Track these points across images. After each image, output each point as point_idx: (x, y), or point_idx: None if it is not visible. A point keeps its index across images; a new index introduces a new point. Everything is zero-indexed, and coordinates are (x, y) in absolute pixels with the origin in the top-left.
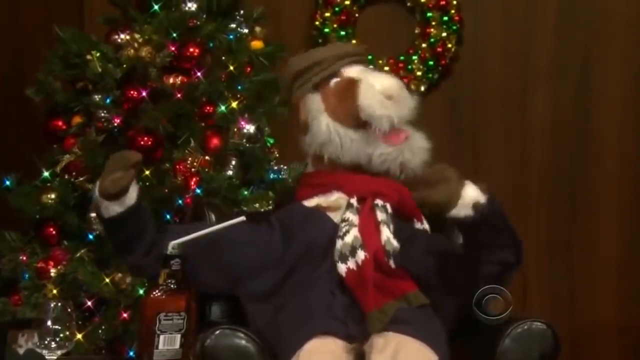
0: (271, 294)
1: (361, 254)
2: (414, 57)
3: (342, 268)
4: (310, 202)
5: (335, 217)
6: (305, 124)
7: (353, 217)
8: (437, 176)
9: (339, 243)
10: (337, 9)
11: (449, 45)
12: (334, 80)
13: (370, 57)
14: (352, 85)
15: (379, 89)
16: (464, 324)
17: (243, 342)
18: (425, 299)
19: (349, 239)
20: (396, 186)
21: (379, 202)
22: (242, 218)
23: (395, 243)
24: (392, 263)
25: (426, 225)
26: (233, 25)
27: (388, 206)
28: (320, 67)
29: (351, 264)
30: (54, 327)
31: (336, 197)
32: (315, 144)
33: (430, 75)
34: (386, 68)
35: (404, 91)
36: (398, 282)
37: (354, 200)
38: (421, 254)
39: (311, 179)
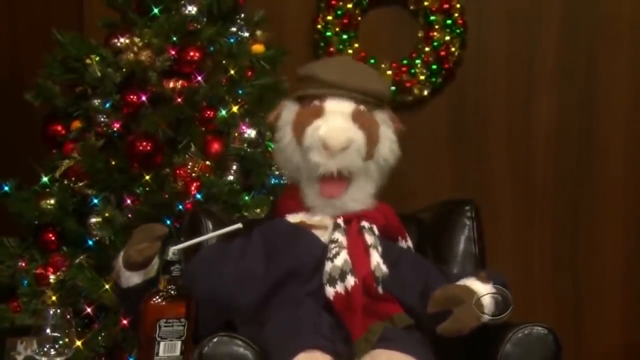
0: (255, 308)
1: (351, 280)
2: (417, 61)
3: (330, 292)
4: (294, 218)
5: (322, 235)
6: (271, 125)
7: (342, 238)
8: (446, 304)
9: (328, 265)
10: (339, 12)
11: (453, 49)
12: (314, 102)
13: (378, 101)
14: (314, 116)
15: (320, 134)
16: None
17: (241, 349)
18: (410, 320)
19: (338, 262)
20: (380, 207)
21: (365, 224)
22: (239, 225)
23: (384, 269)
24: (380, 289)
25: (410, 243)
26: (234, 29)
27: (375, 228)
28: (313, 84)
29: (340, 288)
30: (53, 334)
31: (321, 217)
32: (274, 147)
33: (433, 79)
34: (388, 72)
35: (351, 147)
36: (384, 305)
37: (340, 221)
38: (408, 278)
39: (295, 192)
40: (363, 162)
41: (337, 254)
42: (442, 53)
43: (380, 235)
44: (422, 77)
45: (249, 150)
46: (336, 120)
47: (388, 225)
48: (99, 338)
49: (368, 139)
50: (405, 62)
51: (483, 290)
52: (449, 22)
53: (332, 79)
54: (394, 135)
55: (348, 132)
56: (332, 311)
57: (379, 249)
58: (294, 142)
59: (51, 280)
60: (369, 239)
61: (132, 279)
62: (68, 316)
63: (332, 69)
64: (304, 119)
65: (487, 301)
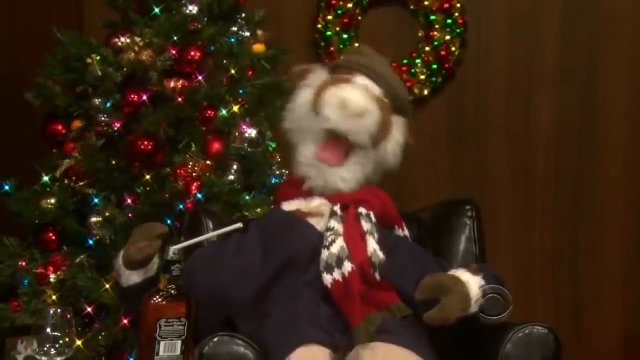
0: (254, 302)
1: (348, 266)
2: (418, 61)
3: (327, 279)
4: (290, 205)
5: (318, 224)
6: (292, 79)
7: (338, 226)
8: (434, 292)
9: (324, 253)
10: (339, 12)
11: (453, 49)
12: (346, 76)
13: (399, 98)
14: (340, 82)
15: (341, 94)
16: (466, 329)
17: (241, 349)
18: (408, 310)
19: (335, 249)
20: (378, 194)
21: (362, 210)
22: (239, 225)
23: (381, 255)
24: (377, 275)
25: (407, 232)
26: (235, 29)
27: (372, 215)
28: (353, 64)
29: (337, 275)
30: (53, 333)
31: (318, 204)
32: (289, 104)
33: (433, 79)
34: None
35: (366, 116)
36: (382, 294)
37: (337, 208)
38: (405, 266)
39: (295, 177)
40: (369, 142)
41: (333, 241)
42: (443, 53)
43: (377, 222)
44: (422, 77)
45: (249, 150)
46: (360, 90)
47: (385, 213)
48: (100, 338)
49: (381, 127)
50: (405, 61)
51: (472, 281)
52: (449, 21)
53: (372, 67)
54: (402, 142)
55: (368, 104)
56: (330, 301)
57: (376, 235)
58: (309, 104)
59: (51, 280)
60: (366, 225)
61: (133, 278)
62: (68, 316)
63: (376, 61)
64: (329, 83)
65: (476, 294)
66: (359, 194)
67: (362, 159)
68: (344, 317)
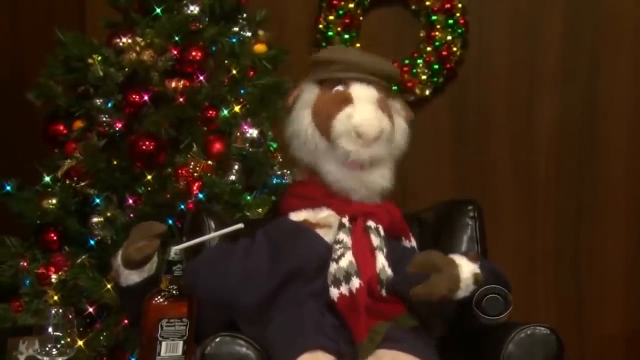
0: (259, 307)
1: (355, 282)
2: (419, 61)
3: (334, 293)
4: (297, 216)
5: (326, 234)
6: (289, 107)
7: (347, 239)
8: (425, 268)
9: (333, 267)
10: (341, 12)
11: (454, 49)
12: (337, 88)
13: (394, 86)
14: (342, 103)
15: (354, 122)
16: (466, 329)
17: (243, 349)
18: (414, 321)
19: (343, 263)
20: (385, 205)
21: (371, 224)
22: (240, 225)
23: (389, 272)
24: (384, 292)
25: (414, 243)
26: (236, 29)
27: (380, 228)
28: (336, 67)
29: (344, 289)
30: (54, 333)
31: (326, 215)
32: (289, 129)
33: (435, 79)
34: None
35: (382, 136)
36: (388, 306)
37: (345, 220)
38: (411, 277)
39: (299, 189)
40: (389, 150)
41: (342, 255)
42: (444, 53)
43: (385, 235)
44: (423, 77)
45: (250, 150)
46: (368, 108)
47: (393, 225)
48: (101, 338)
49: (393, 128)
50: (407, 61)
51: (466, 266)
52: (450, 21)
53: (356, 60)
54: (405, 124)
55: (381, 122)
56: (335, 312)
57: (384, 250)
58: (312, 125)
59: (53, 280)
60: (375, 240)
61: (132, 277)
62: (70, 316)
63: (350, 52)
64: (331, 105)
65: (467, 278)
66: (367, 206)
67: (386, 154)
68: (349, 328)
